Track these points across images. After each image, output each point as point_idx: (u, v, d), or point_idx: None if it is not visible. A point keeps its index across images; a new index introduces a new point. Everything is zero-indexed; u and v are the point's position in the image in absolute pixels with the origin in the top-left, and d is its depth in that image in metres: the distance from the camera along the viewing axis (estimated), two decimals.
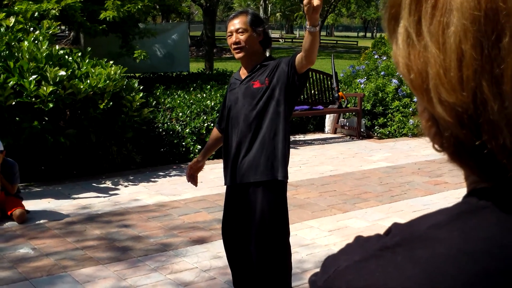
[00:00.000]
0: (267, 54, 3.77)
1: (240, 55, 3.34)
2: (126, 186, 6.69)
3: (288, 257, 3.48)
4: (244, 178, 3.36)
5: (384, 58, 11.28)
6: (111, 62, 7.28)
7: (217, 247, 4.65)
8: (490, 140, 0.49)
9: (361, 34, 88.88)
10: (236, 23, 3.32)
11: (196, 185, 3.81)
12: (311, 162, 8.01)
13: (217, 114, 8.20)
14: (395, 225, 0.56)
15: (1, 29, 6.83)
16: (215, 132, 3.71)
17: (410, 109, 9.91)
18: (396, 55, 0.55)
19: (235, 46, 3.32)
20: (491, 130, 0.49)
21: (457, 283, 0.49)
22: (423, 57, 0.51)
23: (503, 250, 0.50)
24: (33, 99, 6.12)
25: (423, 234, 0.53)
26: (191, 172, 3.73)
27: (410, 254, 0.52)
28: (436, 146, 0.56)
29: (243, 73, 3.44)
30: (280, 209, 3.37)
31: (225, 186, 3.56)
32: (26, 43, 6.47)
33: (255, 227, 3.36)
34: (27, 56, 6.31)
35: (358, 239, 0.58)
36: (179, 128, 8.06)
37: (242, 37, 3.30)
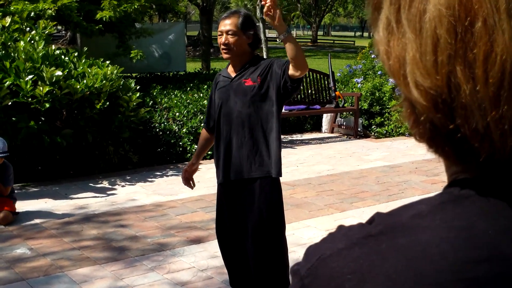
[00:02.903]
0: (265, 55, 3.80)
1: (227, 56, 3.37)
2: (123, 186, 6.68)
3: (285, 252, 3.49)
4: (239, 174, 3.37)
5: None
6: (108, 62, 7.27)
7: (214, 247, 4.64)
8: (463, 124, 0.50)
9: (358, 33, 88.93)
10: (227, 24, 3.34)
11: (192, 188, 3.84)
12: (308, 162, 8.00)
13: None
14: (378, 214, 0.57)
15: None
16: (204, 133, 3.72)
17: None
18: (377, 43, 0.56)
19: (223, 47, 3.36)
20: (463, 114, 0.50)
21: (440, 270, 0.50)
22: (401, 43, 0.53)
23: (485, 238, 0.51)
24: (30, 99, 6.11)
25: (406, 223, 0.54)
26: (186, 175, 3.75)
27: (393, 242, 0.52)
28: (416, 136, 0.57)
29: (232, 71, 3.46)
30: (276, 205, 3.38)
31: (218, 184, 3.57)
32: (22, 43, 6.46)
33: (252, 223, 3.36)
34: (23, 56, 6.29)
35: (341, 228, 0.58)
36: (176, 128, 8.05)
37: (231, 39, 3.32)
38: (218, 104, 3.47)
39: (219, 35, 3.37)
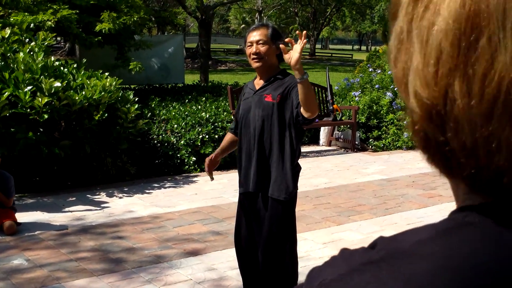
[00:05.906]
0: None
1: (258, 64, 3.41)
2: (120, 198, 6.68)
3: (295, 265, 3.52)
4: (255, 188, 3.44)
5: (379, 71, 11.34)
6: (107, 73, 7.29)
7: (212, 259, 4.64)
8: (452, 137, 0.51)
9: (356, 47, 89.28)
10: (256, 35, 3.42)
11: (211, 179, 3.77)
12: (306, 175, 8.01)
13: (212, 126, 8.24)
14: (381, 239, 0.56)
15: None
16: (229, 135, 3.75)
17: (405, 122, 9.94)
18: (389, 51, 0.57)
19: (254, 56, 3.40)
20: (454, 127, 0.50)
21: None
22: (409, 53, 0.54)
23: (487, 266, 0.50)
24: (28, 110, 6.12)
25: (407, 250, 0.52)
26: (209, 164, 3.67)
27: (393, 270, 0.51)
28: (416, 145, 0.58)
29: (258, 83, 3.51)
30: (287, 221, 3.44)
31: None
32: (21, 54, 6.48)
33: (261, 237, 3.43)
34: (23, 67, 6.31)
35: (344, 252, 0.57)
36: (174, 140, 8.06)
37: (262, 48, 3.39)
38: (241, 115, 3.54)
39: (249, 46, 3.43)
